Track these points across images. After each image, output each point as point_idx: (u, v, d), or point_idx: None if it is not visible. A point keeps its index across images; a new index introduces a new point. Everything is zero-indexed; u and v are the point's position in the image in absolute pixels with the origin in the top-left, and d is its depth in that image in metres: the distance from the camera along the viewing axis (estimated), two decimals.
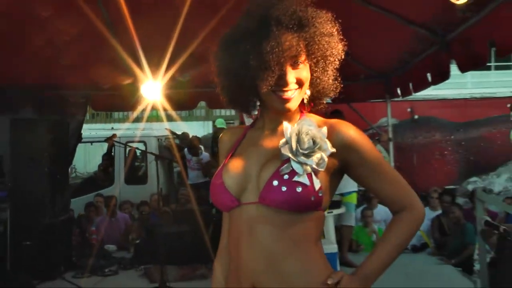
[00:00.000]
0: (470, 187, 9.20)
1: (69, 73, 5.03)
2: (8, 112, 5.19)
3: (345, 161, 1.31)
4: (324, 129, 1.26)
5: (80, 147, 6.37)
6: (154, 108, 5.64)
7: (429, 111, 10.04)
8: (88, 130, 9.38)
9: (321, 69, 1.31)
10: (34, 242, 4.89)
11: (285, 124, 1.27)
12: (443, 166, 9.78)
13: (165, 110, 5.58)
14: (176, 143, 8.17)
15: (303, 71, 1.28)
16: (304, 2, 1.28)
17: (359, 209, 6.19)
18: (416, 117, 9.79)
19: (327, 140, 1.25)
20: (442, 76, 3.89)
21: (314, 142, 1.24)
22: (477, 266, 4.72)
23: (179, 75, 5.10)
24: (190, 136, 8.20)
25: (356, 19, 3.49)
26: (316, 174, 1.24)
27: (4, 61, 4.31)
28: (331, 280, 1.24)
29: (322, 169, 1.24)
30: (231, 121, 12.29)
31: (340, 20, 1.32)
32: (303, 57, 1.27)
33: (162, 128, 8.62)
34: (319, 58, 1.29)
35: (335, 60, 1.32)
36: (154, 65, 4.59)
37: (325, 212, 1.34)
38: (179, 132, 8.41)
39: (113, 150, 8.34)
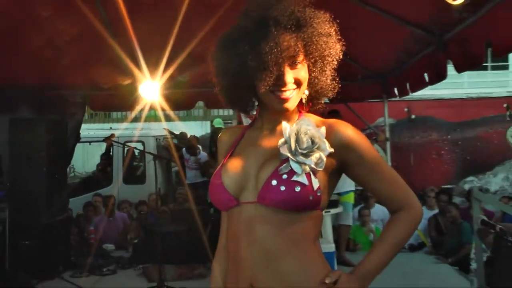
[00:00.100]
0: (466, 187, 9.21)
1: (67, 73, 5.02)
2: (7, 112, 5.16)
3: (343, 161, 1.31)
4: (323, 129, 1.27)
5: (78, 147, 6.35)
6: (152, 108, 5.63)
7: (426, 111, 10.03)
8: (87, 130, 9.38)
9: (319, 69, 1.31)
10: (33, 242, 4.88)
11: (284, 124, 1.27)
12: (440, 166, 9.79)
13: (163, 110, 5.57)
14: (174, 143, 8.15)
15: (301, 71, 1.29)
16: (302, 3, 1.29)
17: (356, 208, 6.18)
18: (413, 117, 9.79)
19: (325, 140, 1.25)
20: (439, 76, 3.89)
21: (312, 142, 1.24)
22: (473, 265, 4.72)
23: (178, 75, 5.09)
24: (188, 136, 8.18)
25: (354, 20, 3.49)
26: (314, 174, 1.24)
27: (3, 61, 4.29)
28: (329, 279, 1.24)
29: (321, 169, 1.25)
30: (229, 121, 12.26)
31: (338, 21, 1.32)
32: (301, 57, 1.28)
33: (160, 128, 8.60)
34: (317, 58, 1.29)
35: (333, 60, 1.32)
36: (152, 65, 4.58)
37: (323, 212, 1.35)
38: (177, 132, 8.39)
39: (111, 150, 8.33)
